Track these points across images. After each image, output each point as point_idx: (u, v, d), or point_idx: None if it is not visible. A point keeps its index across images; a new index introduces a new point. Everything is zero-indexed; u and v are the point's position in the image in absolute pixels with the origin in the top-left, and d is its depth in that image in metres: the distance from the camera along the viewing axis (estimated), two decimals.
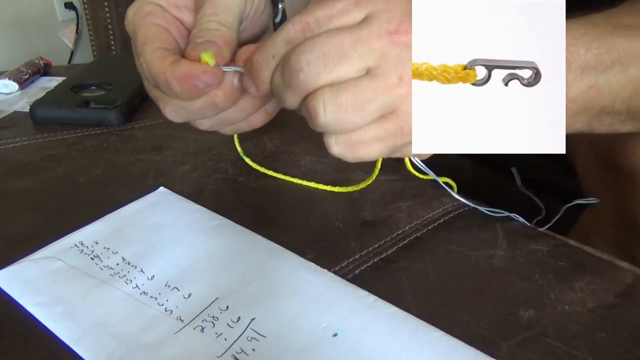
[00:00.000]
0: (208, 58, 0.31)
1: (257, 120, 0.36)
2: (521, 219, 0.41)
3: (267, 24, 0.39)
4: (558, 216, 0.40)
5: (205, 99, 0.32)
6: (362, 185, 0.42)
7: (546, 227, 0.41)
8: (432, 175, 0.41)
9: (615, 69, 0.33)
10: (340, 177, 0.46)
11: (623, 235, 0.48)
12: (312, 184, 0.45)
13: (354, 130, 0.30)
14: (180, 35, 0.35)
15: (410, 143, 0.31)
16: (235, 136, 0.50)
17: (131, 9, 0.35)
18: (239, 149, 0.49)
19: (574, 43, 0.32)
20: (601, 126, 0.36)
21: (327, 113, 0.28)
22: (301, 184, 0.46)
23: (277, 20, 0.40)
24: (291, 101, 0.30)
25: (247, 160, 0.48)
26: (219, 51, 0.31)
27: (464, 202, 0.42)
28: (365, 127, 0.29)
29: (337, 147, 0.30)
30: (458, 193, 0.43)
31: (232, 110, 0.34)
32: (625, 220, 0.47)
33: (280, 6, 0.40)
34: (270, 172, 0.47)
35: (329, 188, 0.45)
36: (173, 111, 0.34)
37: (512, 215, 0.41)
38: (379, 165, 0.39)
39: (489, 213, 0.41)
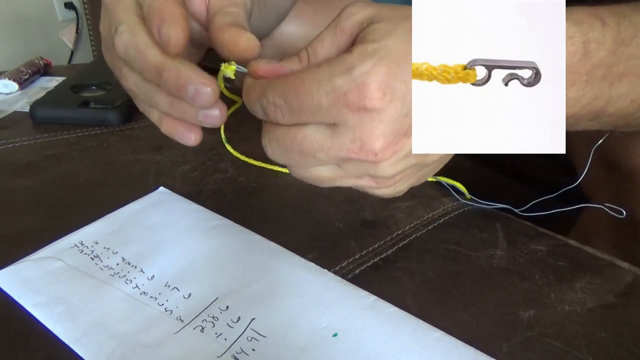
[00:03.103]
0: (230, 71, 0.29)
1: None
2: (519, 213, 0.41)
3: None
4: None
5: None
6: None
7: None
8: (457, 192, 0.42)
9: None
10: None
11: (623, 235, 0.48)
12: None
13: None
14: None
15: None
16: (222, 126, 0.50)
17: None
18: (222, 136, 0.49)
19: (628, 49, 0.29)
20: (624, 129, 0.35)
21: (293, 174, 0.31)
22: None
23: None
24: None
25: (229, 147, 0.48)
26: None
27: (464, 202, 0.43)
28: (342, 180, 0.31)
29: None
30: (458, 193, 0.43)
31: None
32: (625, 220, 0.47)
33: None
34: (250, 160, 0.47)
35: None
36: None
37: (508, 207, 0.42)
38: None
39: (488, 206, 0.42)
